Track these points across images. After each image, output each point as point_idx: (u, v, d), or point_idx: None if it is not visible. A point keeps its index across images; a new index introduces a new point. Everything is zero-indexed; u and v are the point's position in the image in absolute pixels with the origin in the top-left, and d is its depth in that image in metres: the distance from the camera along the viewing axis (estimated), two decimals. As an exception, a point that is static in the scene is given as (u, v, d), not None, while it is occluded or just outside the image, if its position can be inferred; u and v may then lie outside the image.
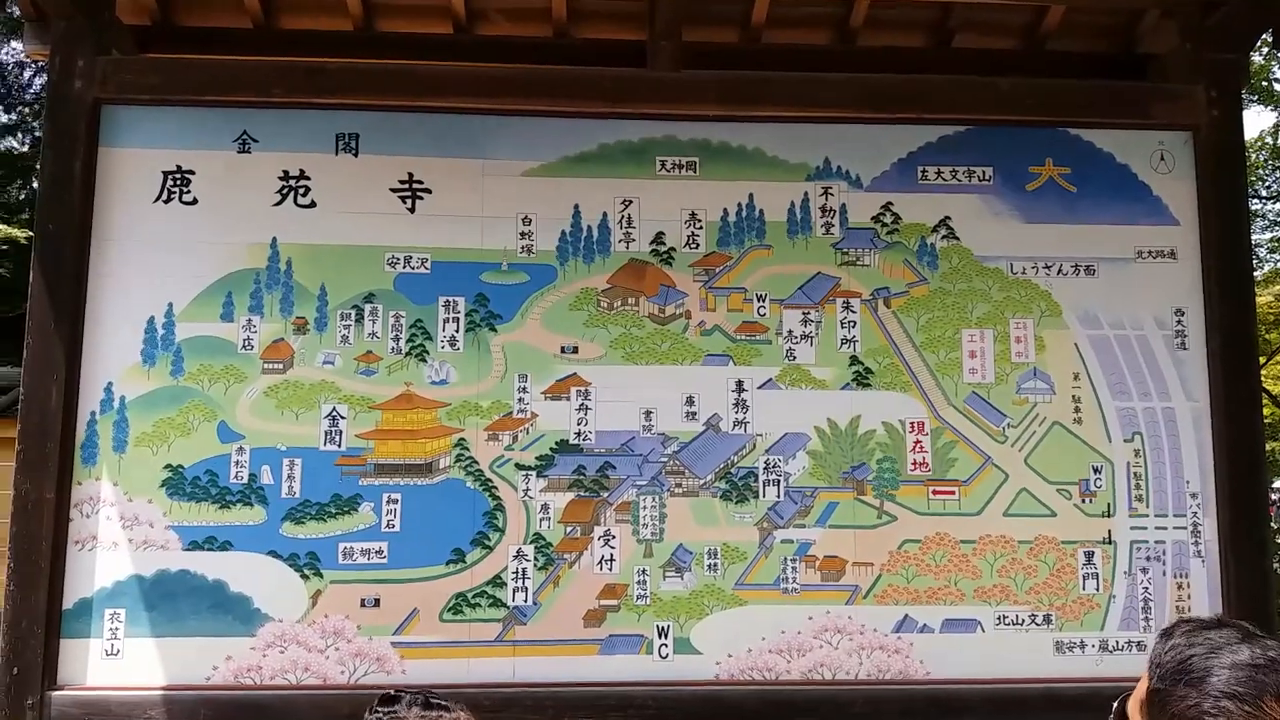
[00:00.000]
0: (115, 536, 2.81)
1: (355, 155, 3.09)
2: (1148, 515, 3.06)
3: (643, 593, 2.94)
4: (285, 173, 3.06)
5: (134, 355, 2.91)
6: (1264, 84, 9.26)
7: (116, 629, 2.77)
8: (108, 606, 2.79)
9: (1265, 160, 9.90)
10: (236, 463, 2.87)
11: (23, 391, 2.84)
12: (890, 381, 3.07)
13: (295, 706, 2.71)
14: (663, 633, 2.92)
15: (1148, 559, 3.05)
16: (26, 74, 11.95)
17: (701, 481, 3.00)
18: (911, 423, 3.05)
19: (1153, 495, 3.08)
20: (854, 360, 3.07)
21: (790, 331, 3.07)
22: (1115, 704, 1.18)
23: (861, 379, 3.06)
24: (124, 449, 2.86)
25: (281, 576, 2.83)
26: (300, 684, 2.78)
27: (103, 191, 3.00)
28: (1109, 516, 3.05)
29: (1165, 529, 3.06)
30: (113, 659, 2.74)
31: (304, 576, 2.84)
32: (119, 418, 2.87)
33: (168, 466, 2.86)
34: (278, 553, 2.84)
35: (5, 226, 9.59)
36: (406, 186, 3.10)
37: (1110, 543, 3.04)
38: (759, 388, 3.04)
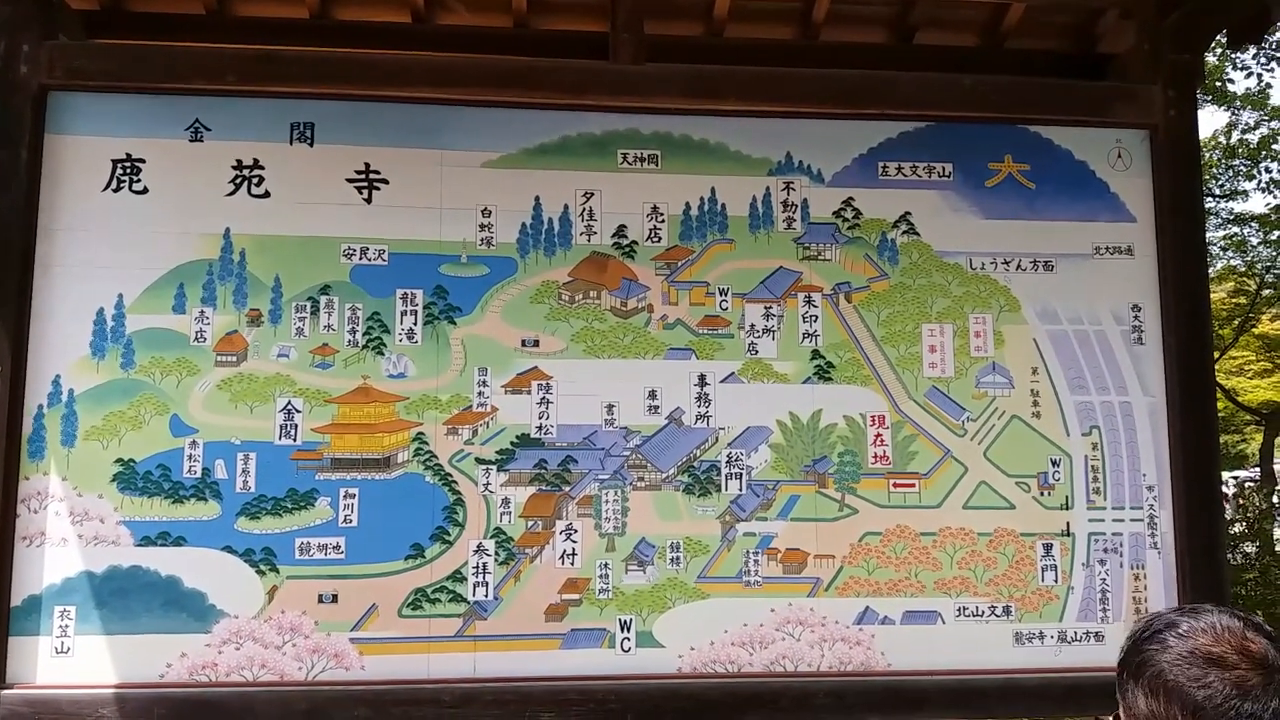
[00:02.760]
0: (64, 532, 3.12)
1: (310, 145, 3.45)
2: (1105, 508, 3.52)
3: (605, 586, 3.32)
4: (239, 162, 3.41)
5: (83, 347, 3.22)
6: (1218, 84, 10.05)
7: (67, 626, 3.07)
8: (57, 604, 3.09)
9: (1219, 159, 10.72)
10: (189, 457, 3.20)
11: (-33, 384, 3.15)
12: (851, 375, 3.49)
13: (252, 703, 3.03)
14: (625, 626, 3.30)
15: (1105, 551, 3.50)
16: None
17: (664, 475, 3.39)
18: (872, 416, 3.48)
19: (1110, 488, 3.54)
20: (815, 354, 3.49)
21: (752, 325, 3.48)
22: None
23: (823, 373, 3.48)
24: (73, 443, 3.17)
25: (236, 572, 3.15)
26: (257, 680, 3.10)
27: (50, 180, 3.32)
28: (1067, 509, 3.50)
29: (1122, 521, 3.51)
30: (63, 657, 3.04)
31: (260, 572, 3.17)
32: (67, 411, 3.18)
33: (119, 460, 3.18)
34: (232, 548, 3.17)
35: None
36: (363, 177, 3.46)
37: (1069, 535, 3.49)
38: (721, 381, 3.44)
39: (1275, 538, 7.54)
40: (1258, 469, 12.58)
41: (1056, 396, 3.56)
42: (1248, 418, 14.08)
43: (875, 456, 3.46)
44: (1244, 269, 12.23)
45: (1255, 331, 12.70)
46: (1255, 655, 1.12)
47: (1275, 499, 7.75)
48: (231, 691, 3.05)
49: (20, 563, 3.09)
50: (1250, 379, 12.97)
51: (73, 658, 3.05)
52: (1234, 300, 12.01)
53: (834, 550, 3.41)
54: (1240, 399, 12.53)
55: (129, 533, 3.15)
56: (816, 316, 3.50)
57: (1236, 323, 11.79)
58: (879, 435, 3.47)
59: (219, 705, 3.02)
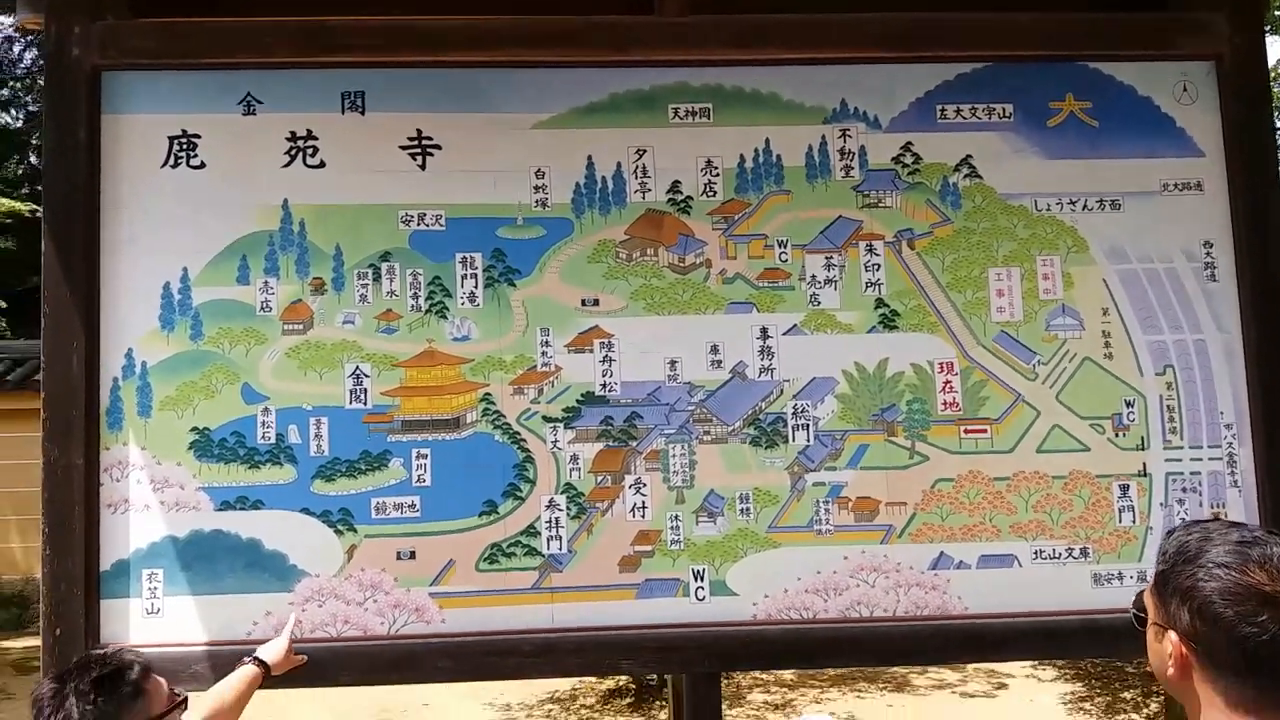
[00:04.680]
0: (147, 499, 3.58)
1: (362, 114, 3.89)
2: (1182, 447, 3.88)
3: (676, 538, 3.74)
4: (292, 133, 3.86)
5: (152, 321, 3.68)
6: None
7: (155, 589, 3.54)
8: (145, 567, 3.55)
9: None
10: (263, 423, 3.66)
11: (44, 361, 3.61)
12: (917, 323, 3.88)
13: (338, 657, 3.47)
14: (698, 576, 3.72)
15: (1184, 490, 3.86)
16: (16, 48, 13.03)
17: (730, 428, 3.81)
18: (940, 363, 3.86)
19: (1187, 427, 3.90)
20: (879, 303, 3.88)
21: (813, 276, 3.88)
22: (1135, 596, 1.56)
23: (888, 321, 3.87)
24: (149, 414, 3.64)
25: (315, 533, 3.60)
26: (341, 636, 3.55)
27: (108, 159, 3.77)
28: (1143, 450, 3.87)
29: (1200, 460, 3.87)
30: (154, 617, 3.51)
31: (338, 532, 3.62)
32: (141, 383, 3.65)
33: (194, 429, 3.64)
34: (310, 510, 3.62)
35: (7, 200, 10.70)
36: (416, 144, 3.90)
37: (1145, 475, 3.86)
38: (784, 334, 3.84)
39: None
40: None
41: (1129, 336, 3.92)
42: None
43: (944, 404, 3.85)
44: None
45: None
46: None
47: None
48: (318, 646, 3.49)
49: (106, 530, 3.55)
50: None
51: (162, 618, 3.51)
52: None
53: (906, 497, 3.80)
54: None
55: (208, 498, 3.61)
56: (879, 265, 3.89)
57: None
58: (948, 382, 3.86)
59: (306, 659, 3.47)
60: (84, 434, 3.56)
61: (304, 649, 3.48)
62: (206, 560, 3.54)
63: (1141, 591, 1.52)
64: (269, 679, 3.15)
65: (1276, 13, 10.01)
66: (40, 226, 3.74)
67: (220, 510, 3.59)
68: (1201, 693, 1.24)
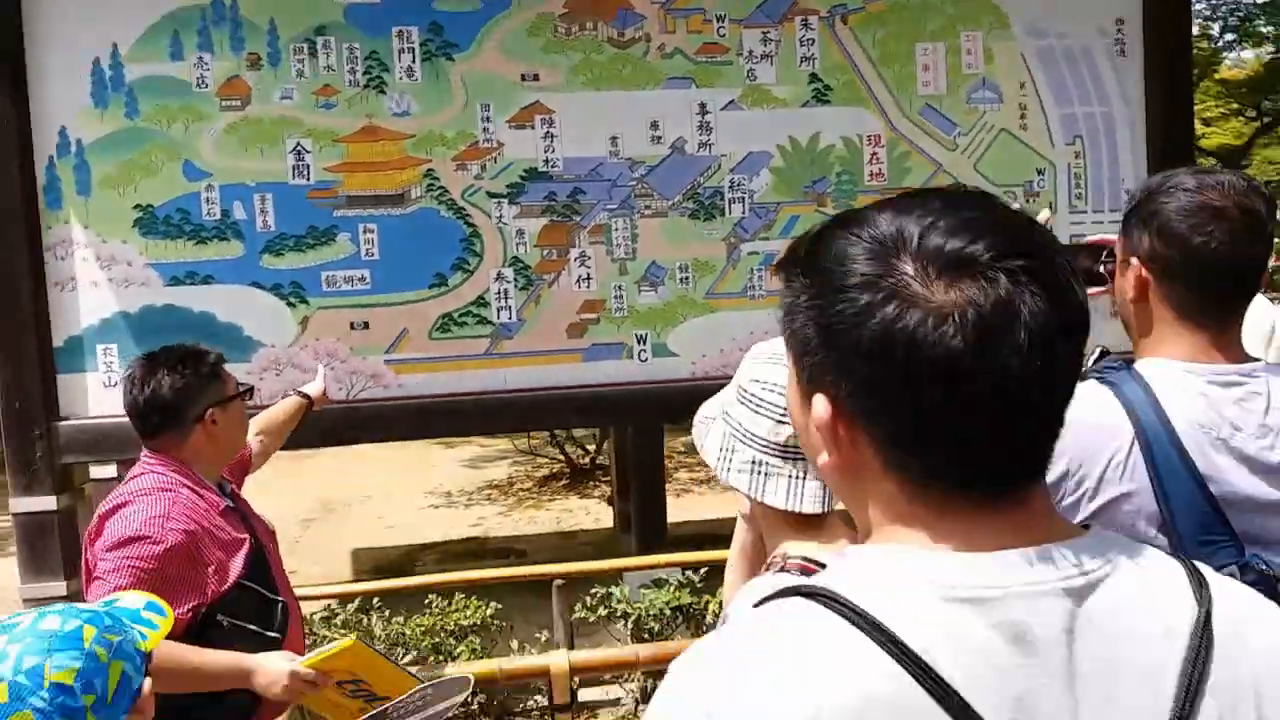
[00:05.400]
0: (94, 276, 3.60)
1: (283, -124, 3.73)
2: (1085, 212, 4.19)
3: (620, 306, 3.94)
4: (212, -103, 3.69)
5: (84, 98, 3.58)
6: None
7: (111, 362, 3.61)
8: (99, 342, 3.61)
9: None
10: (207, 200, 3.66)
11: (-28, 137, 3.53)
12: (848, 97, 4.02)
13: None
14: (641, 340, 3.95)
15: (1084, 256, 4.20)
16: None
17: (670, 202, 3.96)
18: (868, 136, 4.04)
19: (1091, 194, 4.20)
20: (813, 78, 3.99)
21: (750, 51, 3.95)
22: (1102, 255, 1.51)
23: (821, 96, 4.00)
24: (89, 192, 3.60)
25: (268, 305, 3.69)
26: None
27: (18, -75, 3.57)
28: (1051, 213, 4.17)
29: (1102, 224, 4.19)
30: (112, 390, 3.59)
31: (290, 304, 3.71)
32: (78, 161, 3.59)
33: (137, 206, 3.62)
34: (260, 284, 3.69)
35: None
36: (342, -91, 3.77)
37: (1050, 242, 4.17)
38: (722, 109, 3.94)
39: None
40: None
41: (1043, 109, 4.14)
42: (1209, 162, 15.13)
43: (871, 174, 4.05)
44: (1208, 12, 13.01)
45: (1215, 77, 13.59)
46: (1251, 212, 1.31)
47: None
48: (280, 414, 3.66)
49: (56, 307, 3.58)
50: (1209, 125, 13.93)
51: (119, 391, 3.61)
52: (1196, 45, 12.80)
53: (832, 267, 4.05)
54: (1200, 144, 13.51)
55: (157, 274, 3.64)
56: (814, 40, 3.98)
57: (1197, 71, 12.58)
58: (874, 154, 4.05)
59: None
60: (23, 212, 3.52)
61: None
62: (159, 334, 3.57)
63: (1106, 248, 1.57)
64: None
65: None
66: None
67: (170, 285, 3.65)
68: (1155, 310, 1.35)
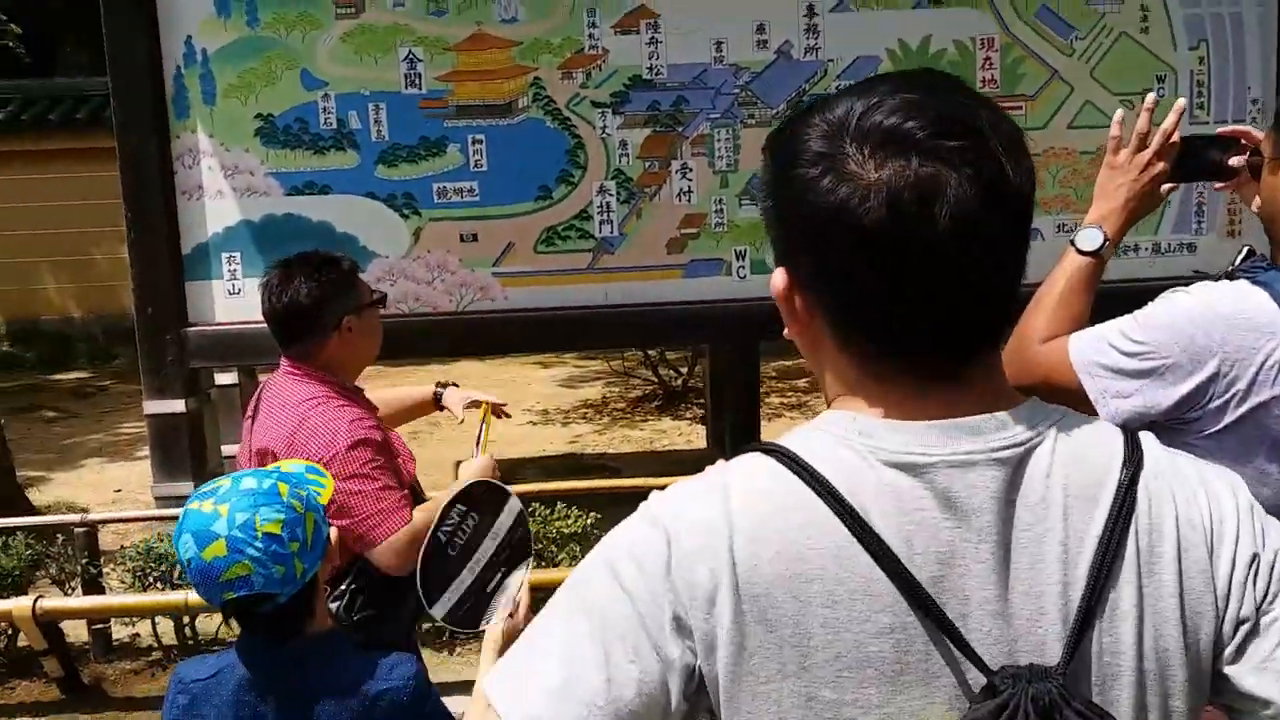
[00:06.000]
0: (219, 186, 3.77)
1: None
2: (1208, 123, 4.02)
3: (720, 221, 3.96)
4: None
5: (207, 7, 3.70)
6: None
7: (235, 270, 3.80)
8: (224, 251, 3.80)
9: None
10: (324, 109, 3.78)
11: (108, 48, 3.68)
12: (960, -1, 3.92)
13: (411, 329, 3.78)
14: (740, 256, 3.98)
15: (1206, 166, 4.05)
16: None
17: (774, 111, 3.93)
18: (981, 39, 3.93)
19: (1214, 102, 4.02)
20: (924, -22, 3.91)
21: (860, -51, 3.88)
22: (1246, 150, 1.38)
23: (932, -3, 3.91)
24: (214, 101, 3.75)
25: (382, 216, 3.82)
26: (413, 313, 3.86)
27: None
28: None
29: (1225, 135, 4.04)
30: (236, 298, 3.79)
31: (403, 216, 3.84)
32: (204, 71, 3.74)
33: (259, 116, 3.76)
34: (375, 194, 3.82)
35: None
36: None
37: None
38: (830, 11, 3.87)
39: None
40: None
41: (1166, 9, 3.96)
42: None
43: (983, 80, 3.95)
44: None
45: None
46: None
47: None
48: (394, 321, 3.76)
49: (184, 215, 3.77)
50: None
51: (244, 298, 3.79)
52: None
53: (940, 177, 3.99)
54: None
55: (278, 184, 3.79)
56: (926, -63, 3.88)
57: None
58: (988, 59, 3.95)
59: (386, 331, 3.77)
60: (154, 123, 3.69)
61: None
62: (281, 243, 3.74)
63: (1253, 148, 1.43)
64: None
65: None
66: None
67: (290, 195, 3.79)
68: None
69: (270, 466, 1.55)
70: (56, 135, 9.54)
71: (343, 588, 1.87)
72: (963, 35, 3.93)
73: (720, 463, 0.75)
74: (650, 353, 7.22)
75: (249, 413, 2.02)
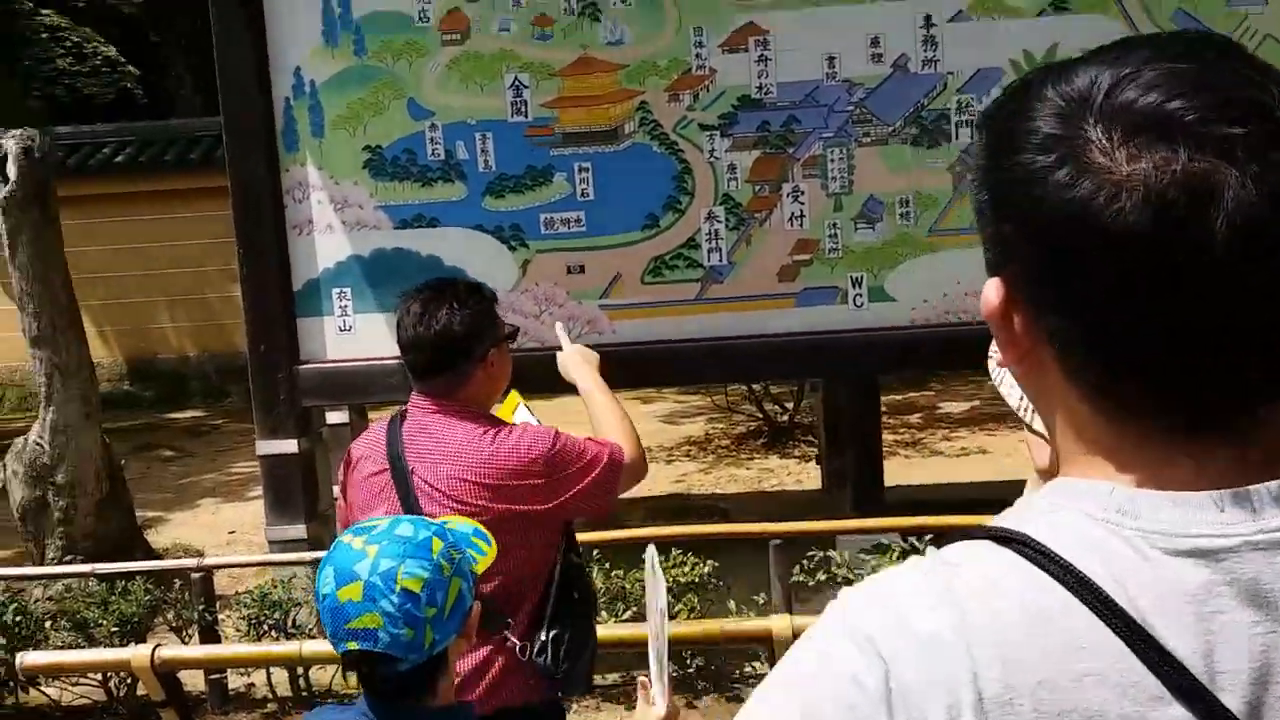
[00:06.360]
0: (329, 220, 3.77)
1: None
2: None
3: (834, 245, 3.79)
4: None
5: (316, 37, 3.73)
6: None
7: (345, 306, 3.78)
8: (334, 286, 3.79)
9: None
10: (431, 140, 3.76)
11: (220, 81, 3.73)
12: (1090, 3, 3.67)
13: (519, 365, 3.67)
14: (857, 283, 3.79)
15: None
16: None
17: (890, 128, 3.76)
18: (1113, 47, 3.69)
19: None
20: (1051, -17, 3.70)
21: (981, -43, 3.70)
22: None
23: (1059, 4, 3.68)
24: (322, 133, 3.77)
25: (490, 248, 3.76)
26: (521, 348, 3.76)
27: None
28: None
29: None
30: (346, 335, 3.77)
31: (511, 248, 3.78)
32: (312, 102, 3.75)
33: (367, 148, 3.76)
34: (483, 226, 3.76)
35: None
36: None
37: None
38: (949, 20, 3.69)
39: None
40: None
41: (1321, 8, 3.68)
42: None
43: (1116, 91, 3.71)
44: None
45: None
46: None
47: None
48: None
49: (294, 250, 3.78)
50: None
51: (355, 335, 3.77)
52: None
53: (1071, 194, 3.75)
54: None
55: (387, 217, 3.78)
56: (1052, -59, 3.68)
57: None
58: (1120, 68, 3.70)
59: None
60: (264, 156, 3.72)
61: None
62: (391, 277, 3.74)
63: None
64: None
65: None
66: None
67: (399, 228, 3.77)
68: None
69: (440, 519, 1.43)
70: (172, 176, 9.89)
71: (542, 638, 1.75)
72: (1091, 43, 3.63)
73: (931, 552, 0.58)
74: (755, 387, 7.04)
75: (370, 466, 1.81)
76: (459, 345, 1.76)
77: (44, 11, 11.46)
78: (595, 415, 1.92)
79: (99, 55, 11.75)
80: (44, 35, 11.47)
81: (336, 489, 1.88)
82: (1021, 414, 1.09)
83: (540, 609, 1.77)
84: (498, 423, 1.81)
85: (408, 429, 1.80)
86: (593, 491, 1.75)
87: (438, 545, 1.24)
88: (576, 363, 2.04)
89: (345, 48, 3.73)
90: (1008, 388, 1.11)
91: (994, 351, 1.11)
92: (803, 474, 6.41)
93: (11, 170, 4.21)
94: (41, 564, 4.46)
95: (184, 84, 13.13)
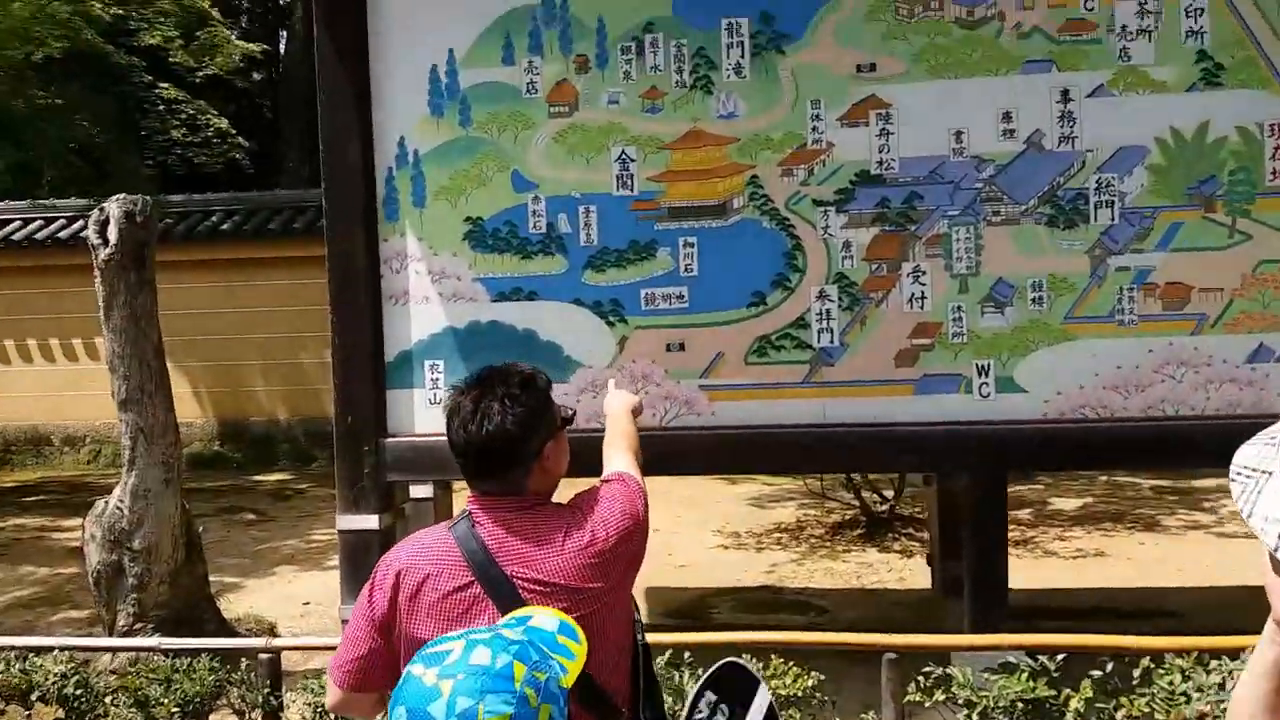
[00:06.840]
0: (425, 291, 3.67)
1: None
2: None
3: (959, 330, 3.52)
4: (545, -92, 3.70)
5: (422, 106, 3.67)
6: None
7: (437, 379, 3.65)
8: (426, 358, 3.67)
9: None
10: (534, 212, 3.64)
11: (323, 149, 3.69)
12: (1246, 78, 3.40)
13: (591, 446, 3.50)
14: (983, 371, 3.51)
15: None
16: None
17: (1023, 207, 3.51)
18: (1271, 125, 3.39)
19: None
20: (1202, 55, 3.41)
21: (1124, 27, 3.44)
22: None
23: (1211, 77, 3.41)
24: (423, 203, 3.68)
25: (588, 323, 3.60)
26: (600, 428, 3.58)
27: (368, -54, 3.72)
28: None
29: None
30: (436, 408, 3.63)
31: (609, 323, 3.61)
32: (415, 172, 3.69)
33: (468, 219, 3.66)
34: (582, 300, 3.61)
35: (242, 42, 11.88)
36: (671, -90, 3.66)
37: None
38: (1088, 96, 3.45)
39: None
40: None
41: None
42: None
43: (1274, 172, 3.40)
44: None
45: None
46: None
47: None
48: (593, 438, 3.53)
49: (389, 321, 3.67)
50: None
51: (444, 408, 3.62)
52: None
53: (1222, 282, 3.43)
54: None
55: (485, 289, 3.65)
56: (1202, 10, 3.41)
57: None
58: (1279, 147, 3.41)
59: (583, 447, 3.51)
60: (364, 225, 3.65)
61: (578, 439, 3.51)
62: (484, 351, 3.61)
63: None
64: None
65: None
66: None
67: (496, 301, 3.65)
68: None
69: (522, 613, 1.29)
70: (274, 243, 10.19)
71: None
72: (1247, 120, 3.41)
73: None
74: (853, 474, 6.70)
75: (447, 583, 1.58)
76: (515, 445, 1.63)
77: (162, 85, 12.06)
78: (611, 432, 2.07)
79: (211, 127, 12.26)
80: (160, 107, 12.04)
81: (354, 612, 1.65)
82: (1275, 551, 0.92)
83: (631, 687, 1.64)
84: (575, 505, 1.71)
85: (488, 533, 1.61)
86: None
87: (519, 671, 1.11)
88: (615, 396, 2.16)
89: (451, 118, 3.66)
90: (1261, 519, 0.92)
91: (1239, 467, 0.96)
92: (905, 571, 6.02)
93: (112, 234, 4.23)
94: (112, 630, 4.38)
95: (292, 155, 13.63)
